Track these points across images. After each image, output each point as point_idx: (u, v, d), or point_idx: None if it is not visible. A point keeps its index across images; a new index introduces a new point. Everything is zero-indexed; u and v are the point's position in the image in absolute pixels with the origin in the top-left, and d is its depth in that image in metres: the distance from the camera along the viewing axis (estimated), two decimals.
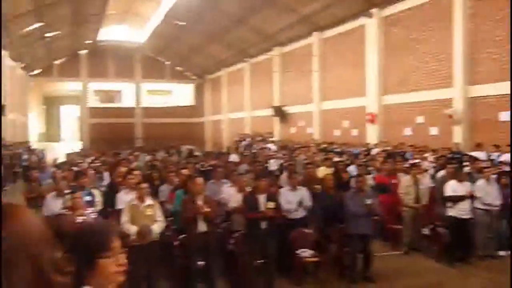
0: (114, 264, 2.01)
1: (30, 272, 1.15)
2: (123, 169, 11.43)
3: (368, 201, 8.09)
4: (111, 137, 35.92)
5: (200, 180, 7.58)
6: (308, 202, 8.69)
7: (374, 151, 17.23)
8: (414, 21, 18.40)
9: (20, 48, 29.60)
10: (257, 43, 29.20)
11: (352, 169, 12.94)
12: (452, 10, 16.53)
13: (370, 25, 20.43)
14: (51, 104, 48.07)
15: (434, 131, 17.63)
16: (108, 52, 39.69)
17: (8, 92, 29.42)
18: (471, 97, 16.08)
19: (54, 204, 8.94)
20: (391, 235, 10.48)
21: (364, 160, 14.23)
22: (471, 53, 16.03)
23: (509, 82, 14.34)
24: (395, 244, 10.26)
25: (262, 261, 7.75)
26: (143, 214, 7.28)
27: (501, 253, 9.58)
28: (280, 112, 27.97)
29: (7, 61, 29.41)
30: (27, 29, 26.06)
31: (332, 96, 23.65)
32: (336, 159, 15.65)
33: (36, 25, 25.98)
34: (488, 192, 9.45)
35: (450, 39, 16.63)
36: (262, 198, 7.65)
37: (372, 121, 20.27)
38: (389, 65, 19.75)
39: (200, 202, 7.33)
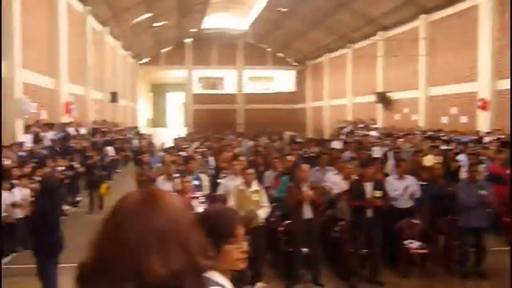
0: (238, 250, 2.03)
1: (181, 257, 1.17)
2: (227, 154, 11.73)
3: (482, 192, 7.65)
4: (214, 123, 36.90)
5: (306, 167, 7.57)
6: (416, 191, 8.39)
7: (486, 140, 16.28)
8: None
9: (131, 38, 31.16)
10: (360, 28, 28.50)
11: (462, 158, 12.35)
12: None
13: (484, 6, 19.18)
14: (158, 91, 50.35)
15: None
16: (212, 40, 40.66)
17: (120, 80, 31.18)
18: None
19: (164, 187, 9.35)
20: (506, 229, 9.85)
21: (476, 149, 13.47)
22: None
23: None
24: (510, 238, 9.65)
25: (367, 250, 7.62)
26: (249, 199, 7.40)
27: None
28: (383, 99, 27.18)
29: (119, 51, 31.13)
30: (137, 19, 27.35)
31: (440, 81, 22.57)
32: (444, 147, 15.00)
33: (145, 15, 27.19)
34: None
35: None
36: (368, 186, 7.48)
37: (483, 107, 19.09)
38: (504, 47, 18.45)
39: (305, 189, 7.31)
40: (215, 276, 1.88)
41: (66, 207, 12.49)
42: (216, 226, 2.00)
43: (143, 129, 36.59)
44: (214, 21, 39.54)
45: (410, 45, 24.23)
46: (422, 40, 23.49)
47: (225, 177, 9.85)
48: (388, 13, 24.80)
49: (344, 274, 7.72)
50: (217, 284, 1.85)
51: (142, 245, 1.14)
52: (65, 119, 18.33)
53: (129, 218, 1.18)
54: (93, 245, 1.20)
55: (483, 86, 19.24)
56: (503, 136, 16.33)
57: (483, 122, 19.10)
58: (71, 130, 17.75)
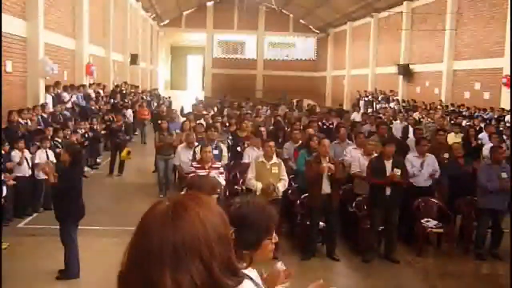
0: (271, 242, 2.07)
1: (199, 274, 1.13)
2: (247, 123, 11.74)
3: (504, 175, 7.59)
4: (233, 88, 36.71)
5: (327, 142, 7.55)
6: (435, 170, 8.34)
7: (507, 118, 16.04)
8: None
9: None
10: None
11: (483, 136, 12.21)
12: None
13: None
14: (178, 53, 50.17)
15: None
16: (233, 4, 40.17)
17: (140, 41, 31.08)
18: None
19: (184, 155, 9.45)
20: None
21: (499, 128, 13.28)
22: None
23: None
24: None
25: (384, 227, 7.65)
26: (269, 171, 7.45)
27: None
28: (405, 71, 26.78)
29: (140, 12, 30.91)
30: None
31: (465, 55, 22.14)
32: (465, 122, 14.83)
33: None
34: None
35: None
36: (389, 164, 7.46)
37: (508, 84, 18.74)
38: None
39: (325, 164, 7.32)
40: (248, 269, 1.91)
41: (86, 169, 12.66)
42: (255, 224, 2.02)
43: (163, 91, 36.63)
44: None
45: (436, 17, 23.71)
46: (448, 13, 22.95)
47: (245, 147, 9.92)
48: None
49: (360, 249, 7.78)
50: (247, 276, 1.88)
51: (156, 259, 1.13)
52: (86, 80, 18.40)
53: (151, 229, 1.17)
54: (125, 250, 1.20)
55: (509, 62, 18.84)
56: None
57: (506, 99, 18.78)
58: (92, 92, 17.84)
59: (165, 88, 43.73)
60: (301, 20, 41.96)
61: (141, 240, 1.17)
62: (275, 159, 7.65)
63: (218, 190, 4.37)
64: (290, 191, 8.37)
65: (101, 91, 18.98)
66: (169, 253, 1.13)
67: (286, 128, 12.13)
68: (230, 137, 11.22)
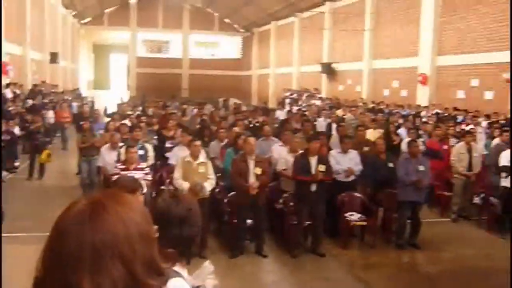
0: None
1: (121, 276, 1.07)
2: (172, 123, 11.61)
3: (421, 168, 7.99)
4: (158, 87, 36.23)
5: (252, 140, 7.61)
6: (358, 165, 8.62)
7: (423, 114, 16.86)
8: None
9: None
10: None
11: (402, 132, 12.72)
12: None
13: None
14: (100, 52, 48.86)
15: (489, 95, 17.01)
16: (158, 2, 39.67)
17: (60, 39, 29.97)
18: None
19: (108, 156, 9.21)
20: (440, 202, 10.35)
21: (415, 123, 13.90)
22: None
23: None
24: (444, 211, 10.16)
25: (310, 222, 7.82)
26: (196, 171, 7.41)
27: None
28: (328, 69, 27.50)
29: (59, 9, 29.81)
30: None
31: (384, 54, 23.07)
32: (385, 120, 15.36)
33: None
34: None
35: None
36: (313, 160, 7.64)
37: (423, 82, 19.68)
38: (445, 25, 18.98)
39: (251, 161, 7.38)
40: (176, 267, 1.90)
41: (3, 173, 12.06)
42: (179, 221, 2.01)
43: (85, 91, 35.53)
44: None
45: (357, 17, 24.50)
46: (368, 14, 23.79)
47: (172, 147, 9.81)
48: None
49: (287, 245, 7.91)
50: (177, 274, 1.87)
51: (75, 261, 1.05)
52: (2, 80, 17.50)
53: (68, 230, 1.09)
54: (40, 254, 1.12)
55: (423, 61, 19.80)
56: (440, 111, 16.97)
57: (422, 96, 19.74)
58: (8, 92, 16.99)
59: (87, 87, 42.42)
60: (226, 19, 42.05)
61: (57, 242, 1.10)
62: (202, 158, 7.62)
63: (142, 189, 4.28)
64: (217, 190, 8.37)
65: (17, 91, 18.10)
66: (88, 255, 1.06)
67: (212, 127, 12.10)
68: (155, 137, 11.05)
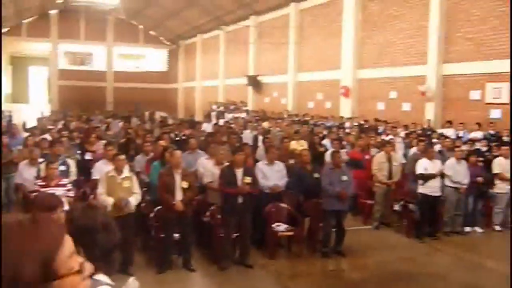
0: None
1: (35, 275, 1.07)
2: (95, 138, 11.34)
3: (344, 178, 8.24)
4: (81, 101, 35.13)
5: (178, 153, 7.55)
6: (284, 176, 8.77)
7: (347, 125, 17.41)
8: None
9: None
10: (233, 11, 28.77)
11: (326, 143, 13.07)
12: None
13: None
14: (18, 64, 46.74)
15: (406, 107, 17.85)
16: (80, 13, 38.54)
17: None
18: (444, 75, 16.27)
19: (27, 173, 8.84)
20: (363, 210, 10.71)
21: (339, 134, 14.33)
22: (446, 32, 16.15)
23: (481, 62, 14.72)
24: (366, 218, 10.51)
25: (237, 234, 7.85)
26: (120, 186, 7.25)
27: (467, 229, 9.99)
28: (254, 82, 27.82)
29: None
30: None
31: (308, 67, 23.66)
32: (310, 132, 15.72)
33: None
34: (457, 171, 9.68)
35: (426, 17, 16.69)
36: (239, 172, 7.69)
37: (346, 94, 20.37)
38: (365, 39, 19.80)
39: (178, 175, 7.33)
40: (102, 276, 1.88)
41: None
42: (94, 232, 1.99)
43: (2, 105, 33.90)
44: None
45: (281, 31, 25.00)
46: (292, 27, 24.34)
47: (92, 160, 9.56)
48: None
49: (215, 257, 7.88)
50: (107, 284, 1.85)
51: None
52: None
53: None
54: None
55: (345, 74, 20.51)
56: (362, 122, 17.60)
57: (345, 108, 20.40)
58: None
59: (5, 101, 40.47)
60: (151, 32, 41.58)
61: None
62: (126, 172, 7.46)
63: (63, 207, 4.14)
64: (143, 205, 8.23)
65: None
66: None
67: (137, 141, 11.91)
68: (78, 151, 10.73)
